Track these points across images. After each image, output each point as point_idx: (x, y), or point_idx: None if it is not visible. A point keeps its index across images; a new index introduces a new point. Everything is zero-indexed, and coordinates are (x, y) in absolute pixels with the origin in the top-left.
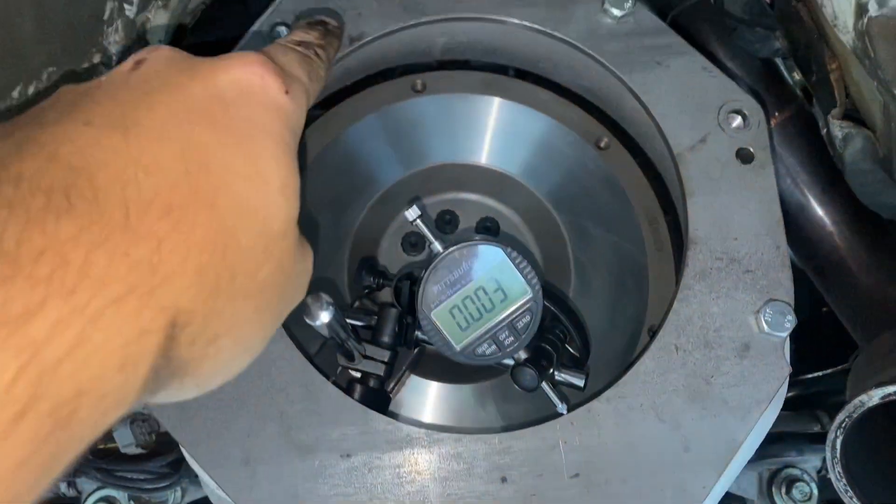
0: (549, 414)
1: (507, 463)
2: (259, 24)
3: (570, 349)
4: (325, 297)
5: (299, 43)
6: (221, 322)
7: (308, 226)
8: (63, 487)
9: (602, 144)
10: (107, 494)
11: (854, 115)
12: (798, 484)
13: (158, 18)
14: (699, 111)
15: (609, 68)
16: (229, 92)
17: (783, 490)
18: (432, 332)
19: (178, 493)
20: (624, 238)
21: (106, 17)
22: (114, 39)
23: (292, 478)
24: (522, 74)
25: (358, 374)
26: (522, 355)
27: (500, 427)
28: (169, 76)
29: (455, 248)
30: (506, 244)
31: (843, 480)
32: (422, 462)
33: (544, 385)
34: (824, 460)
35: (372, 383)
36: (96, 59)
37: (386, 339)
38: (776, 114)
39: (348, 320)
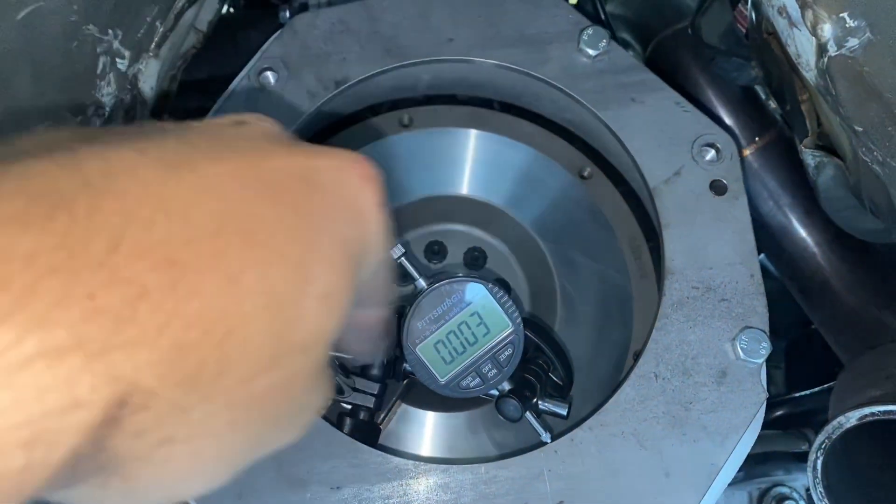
0: (537, 442)
1: (493, 492)
2: (247, 71)
3: (553, 378)
4: None
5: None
6: (184, 423)
7: None
8: None
9: (585, 174)
10: None
11: (826, 145)
12: (787, 502)
13: (150, 68)
14: (673, 145)
15: (586, 105)
16: (320, 176)
17: None
18: (418, 366)
19: None
20: (608, 266)
21: (99, 71)
22: (107, 91)
23: None
24: (507, 107)
25: (348, 407)
26: (506, 386)
27: (492, 454)
28: (259, 141)
29: (438, 284)
30: (487, 280)
31: (825, 501)
32: (411, 493)
33: (528, 415)
34: None
35: (362, 416)
36: (90, 111)
37: (375, 371)
38: (757, 139)
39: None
